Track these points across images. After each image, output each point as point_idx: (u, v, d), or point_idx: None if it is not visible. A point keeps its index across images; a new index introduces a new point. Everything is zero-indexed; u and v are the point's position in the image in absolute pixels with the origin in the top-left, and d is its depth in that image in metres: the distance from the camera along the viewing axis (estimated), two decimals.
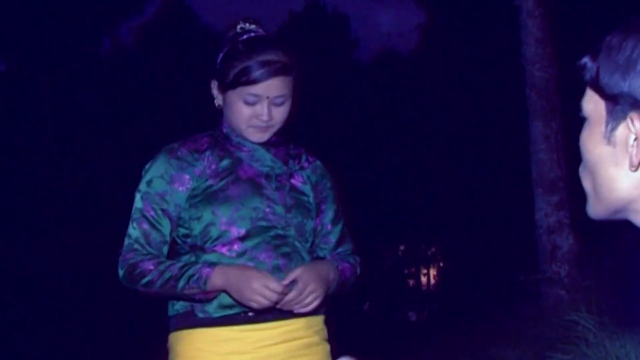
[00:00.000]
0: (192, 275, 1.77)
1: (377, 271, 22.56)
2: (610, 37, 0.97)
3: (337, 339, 1.98)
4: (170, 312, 1.90)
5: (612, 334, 4.20)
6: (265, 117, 1.84)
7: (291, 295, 1.77)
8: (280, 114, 1.88)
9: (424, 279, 24.75)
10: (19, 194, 14.57)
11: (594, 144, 1.00)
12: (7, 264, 13.49)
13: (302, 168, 1.98)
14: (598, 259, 5.75)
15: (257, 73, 1.81)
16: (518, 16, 6.71)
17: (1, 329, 11.94)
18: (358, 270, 2.02)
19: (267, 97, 1.83)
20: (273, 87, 1.83)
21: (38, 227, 14.51)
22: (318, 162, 2.04)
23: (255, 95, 1.83)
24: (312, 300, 1.79)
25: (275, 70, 1.82)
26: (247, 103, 1.84)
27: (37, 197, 14.74)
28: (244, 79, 1.82)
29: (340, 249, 2.01)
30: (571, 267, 6.22)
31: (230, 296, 1.79)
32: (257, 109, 1.85)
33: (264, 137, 1.89)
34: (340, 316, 1.94)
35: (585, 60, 1.00)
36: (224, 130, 1.94)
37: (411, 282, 24.52)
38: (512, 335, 5.87)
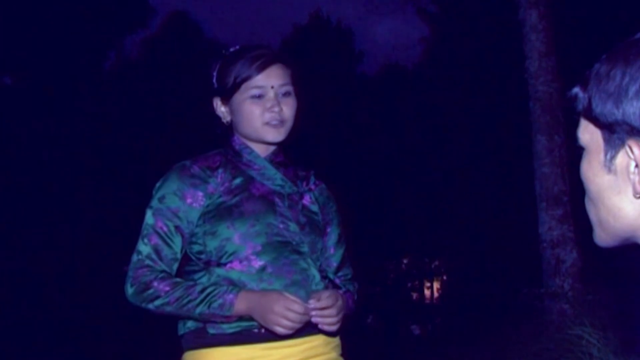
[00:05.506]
0: (214, 301, 1.74)
1: (381, 284, 22.51)
2: (598, 65, 0.97)
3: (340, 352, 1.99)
4: (182, 330, 1.87)
5: (616, 349, 4.19)
6: (276, 108, 1.85)
7: (322, 303, 1.75)
8: (288, 107, 1.88)
9: (427, 293, 24.69)
10: (24, 206, 14.60)
11: (595, 173, 1.00)
12: (12, 271, 13.49)
13: (310, 190, 1.99)
14: (602, 273, 5.74)
15: (254, 65, 1.85)
16: (521, 30, 6.72)
17: (10, 338, 11.92)
18: (356, 297, 2.02)
19: (272, 87, 1.85)
20: (273, 75, 1.86)
21: (41, 237, 14.52)
22: (324, 185, 2.05)
23: (259, 87, 1.85)
24: (339, 320, 1.79)
25: (271, 59, 1.86)
26: (254, 97, 1.85)
27: (42, 209, 14.76)
28: (244, 75, 1.84)
29: (340, 273, 2.01)
30: (575, 281, 6.19)
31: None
32: (265, 102, 1.86)
33: (280, 135, 1.88)
34: (343, 330, 1.94)
35: (576, 90, 1.00)
36: (236, 147, 1.92)
37: (415, 295, 24.44)
38: (516, 349, 5.85)
